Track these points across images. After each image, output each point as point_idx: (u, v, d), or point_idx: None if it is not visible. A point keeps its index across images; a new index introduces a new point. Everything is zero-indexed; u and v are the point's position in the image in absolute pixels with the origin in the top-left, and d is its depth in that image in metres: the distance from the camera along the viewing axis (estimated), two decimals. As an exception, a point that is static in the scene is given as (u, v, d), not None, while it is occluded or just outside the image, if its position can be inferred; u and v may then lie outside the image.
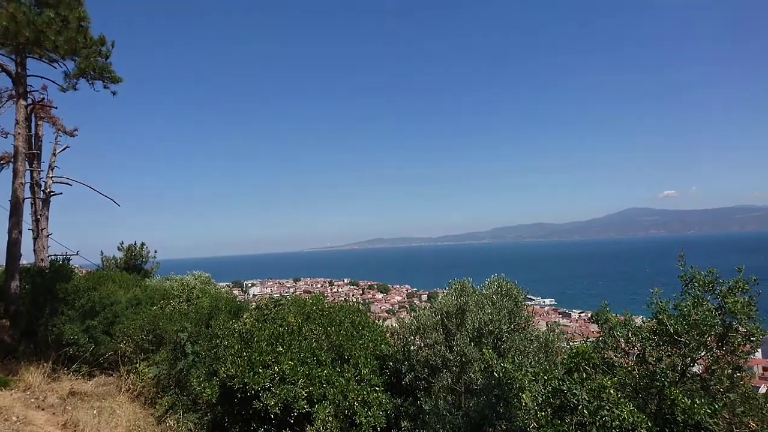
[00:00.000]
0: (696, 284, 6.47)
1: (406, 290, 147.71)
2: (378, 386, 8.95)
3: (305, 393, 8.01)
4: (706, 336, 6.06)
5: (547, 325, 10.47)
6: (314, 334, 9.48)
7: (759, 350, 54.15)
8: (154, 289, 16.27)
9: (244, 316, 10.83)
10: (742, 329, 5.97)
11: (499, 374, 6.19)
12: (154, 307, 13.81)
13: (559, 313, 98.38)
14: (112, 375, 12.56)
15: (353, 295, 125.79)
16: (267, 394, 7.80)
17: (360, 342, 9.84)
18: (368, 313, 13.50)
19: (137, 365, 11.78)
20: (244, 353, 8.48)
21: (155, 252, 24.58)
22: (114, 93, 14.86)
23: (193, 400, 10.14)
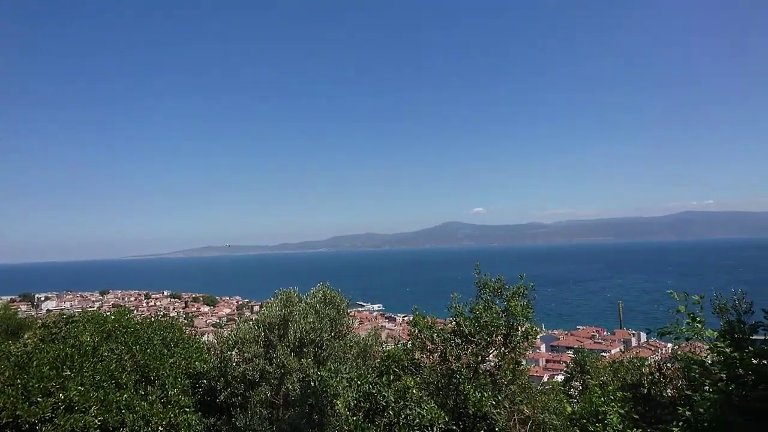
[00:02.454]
0: (488, 290, 7.45)
1: (237, 302, 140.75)
2: (188, 407, 8.28)
3: (98, 422, 7.00)
4: (494, 336, 7.02)
5: (375, 330, 10.92)
6: (115, 354, 8.40)
7: (543, 345, 63.85)
8: None
9: (26, 336, 9.07)
10: (521, 329, 7.05)
11: (315, 383, 6.23)
12: None
13: (386, 318, 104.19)
14: None
15: (174, 309, 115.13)
16: (47, 427, 6.62)
17: (171, 360, 9.02)
18: (190, 329, 12.42)
19: None
20: (18, 380, 7.08)
21: None
22: None
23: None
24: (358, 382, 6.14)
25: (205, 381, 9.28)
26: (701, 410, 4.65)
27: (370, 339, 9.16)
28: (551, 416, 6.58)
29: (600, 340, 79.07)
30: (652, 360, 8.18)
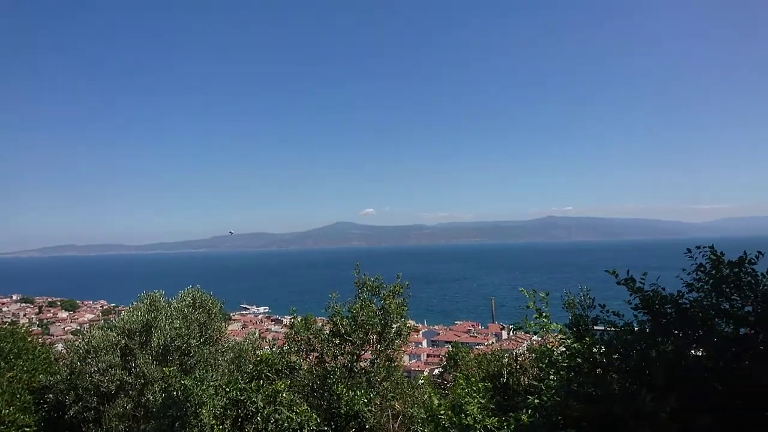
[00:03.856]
0: (366, 289, 7.56)
1: (102, 306, 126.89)
2: (29, 426, 7.24)
3: None
4: (369, 334, 7.14)
5: (258, 333, 10.47)
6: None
7: (425, 340, 66.59)
8: None
9: None
10: (395, 326, 7.27)
11: (177, 392, 5.78)
12: None
13: (272, 321, 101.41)
14: None
15: (25, 316, 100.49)
16: None
17: (9, 374, 7.83)
18: (43, 337, 10.87)
19: None
20: None
21: None
22: None
23: None
24: (226, 389, 5.83)
25: (51, 395, 8.18)
26: (545, 398, 5.15)
27: (245, 344, 8.77)
28: (420, 410, 6.84)
29: (475, 334, 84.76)
30: (513, 352, 8.95)
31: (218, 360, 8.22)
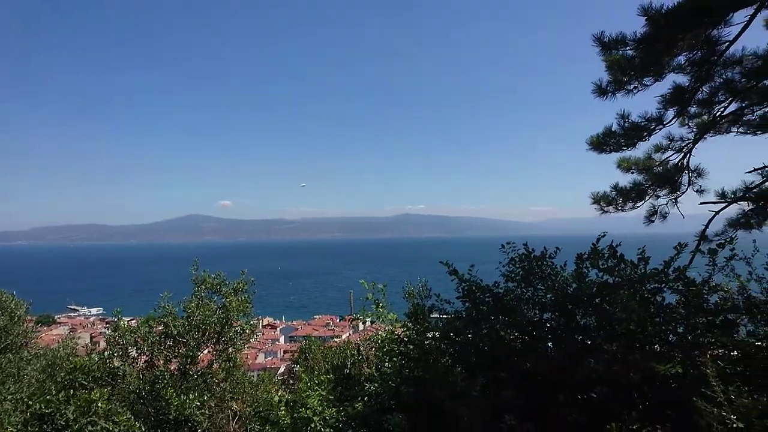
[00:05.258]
0: (205, 286, 7.11)
1: None
2: None
3: None
4: (206, 334, 6.74)
5: (91, 337, 9.12)
6: None
7: (282, 336, 65.45)
8: None
9: None
10: (236, 325, 6.96)
11: (-44, 415, 4.79)
12: None
13: (107, 323, 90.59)
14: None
15: None
16: None
17: None
18: None
19: None
20: None
21: None
22: None
23: None
24: (29, 402, 5.00)
25: None
26: (375, 384, 5.40)
27: (60, 350, 7.61)
28: (259, 408, 6.69)
29: (333, 327, 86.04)
30: (356, 342, 9.23)
31: (24, 369, 7.00)
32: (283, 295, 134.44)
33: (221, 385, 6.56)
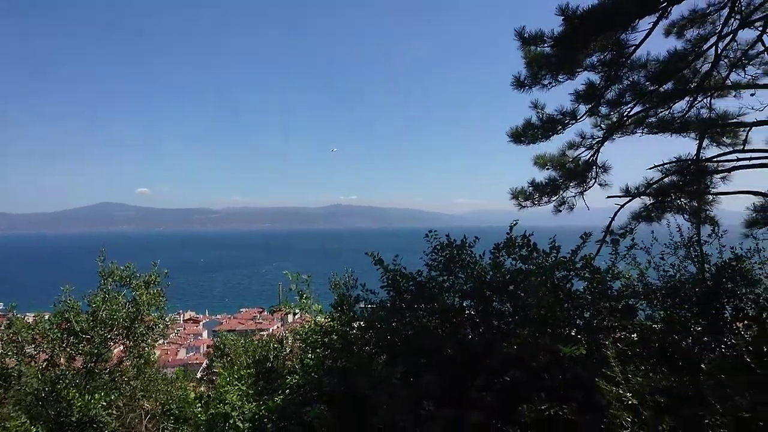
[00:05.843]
0: (112, 279, 6.59)
1: None
2: None
3: None
4: (114, 330, 6.26)
5: None
6: None
7: (205, 331, 62.98)
8: None
9: None
10: (147, 320, 6.53)
11: None
12: None
13: (8, 320, 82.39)
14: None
15: None
16: None
17: None
18: None
19: None
20: None
21: None
22: None
23: None
24: None
25: None
26: (297, 377, 5.31)
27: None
28: (172, 406, 6.36)
29: (260, 320, 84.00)
30: (279, 335, 9.04)
31: None
32: (207, 288, 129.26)
33: (132, 383, 6.12)
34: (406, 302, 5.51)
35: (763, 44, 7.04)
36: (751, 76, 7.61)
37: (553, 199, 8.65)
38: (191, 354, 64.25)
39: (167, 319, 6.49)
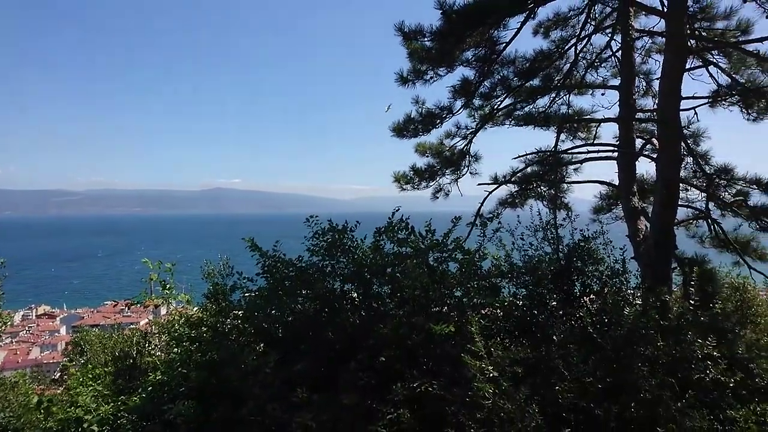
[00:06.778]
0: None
1: None
2: None
3: None
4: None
5: None
6: None
7: (64, 327, 56.27)
8: None
9: None
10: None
11: None
12: None
13: None
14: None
15: None
16: None
17: None
18: None
19: None
20: None
21: None
22: None
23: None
24: None
25: None
26: (159, 373, 4.90)
27: None
28: (7, 414, 5.51)
29: (129, 313, 77.34)
30: (144, 329, 8.32)
31: None
32: (64, 279, 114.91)
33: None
34: (285, 289, 5.35)
35: (611, 49, 8.00)
36: (603, 77, 8.64)
37: (431, 184, 9.05)
38: (47, 353, 57.55)
39: (4, 317, 5.50)
